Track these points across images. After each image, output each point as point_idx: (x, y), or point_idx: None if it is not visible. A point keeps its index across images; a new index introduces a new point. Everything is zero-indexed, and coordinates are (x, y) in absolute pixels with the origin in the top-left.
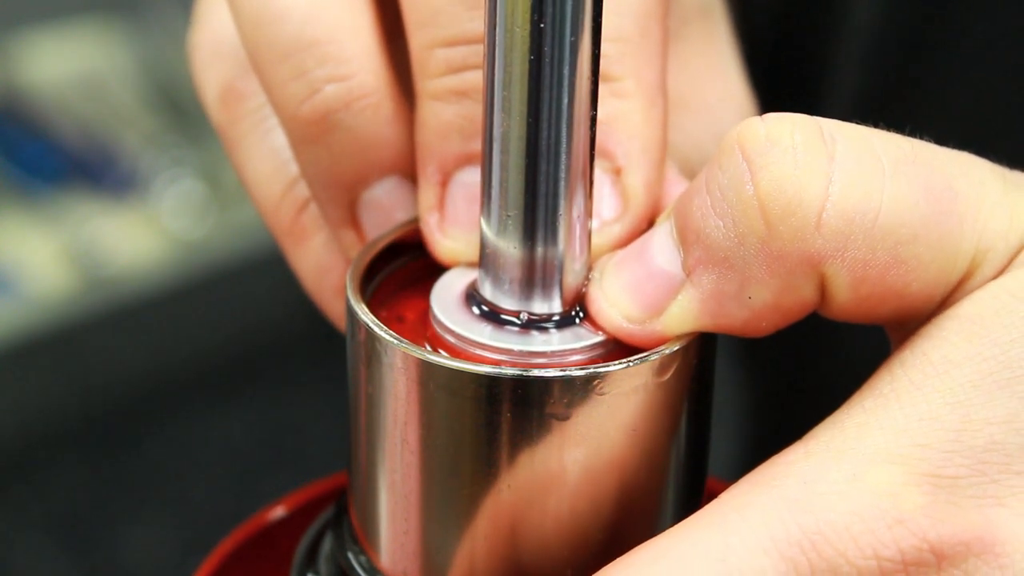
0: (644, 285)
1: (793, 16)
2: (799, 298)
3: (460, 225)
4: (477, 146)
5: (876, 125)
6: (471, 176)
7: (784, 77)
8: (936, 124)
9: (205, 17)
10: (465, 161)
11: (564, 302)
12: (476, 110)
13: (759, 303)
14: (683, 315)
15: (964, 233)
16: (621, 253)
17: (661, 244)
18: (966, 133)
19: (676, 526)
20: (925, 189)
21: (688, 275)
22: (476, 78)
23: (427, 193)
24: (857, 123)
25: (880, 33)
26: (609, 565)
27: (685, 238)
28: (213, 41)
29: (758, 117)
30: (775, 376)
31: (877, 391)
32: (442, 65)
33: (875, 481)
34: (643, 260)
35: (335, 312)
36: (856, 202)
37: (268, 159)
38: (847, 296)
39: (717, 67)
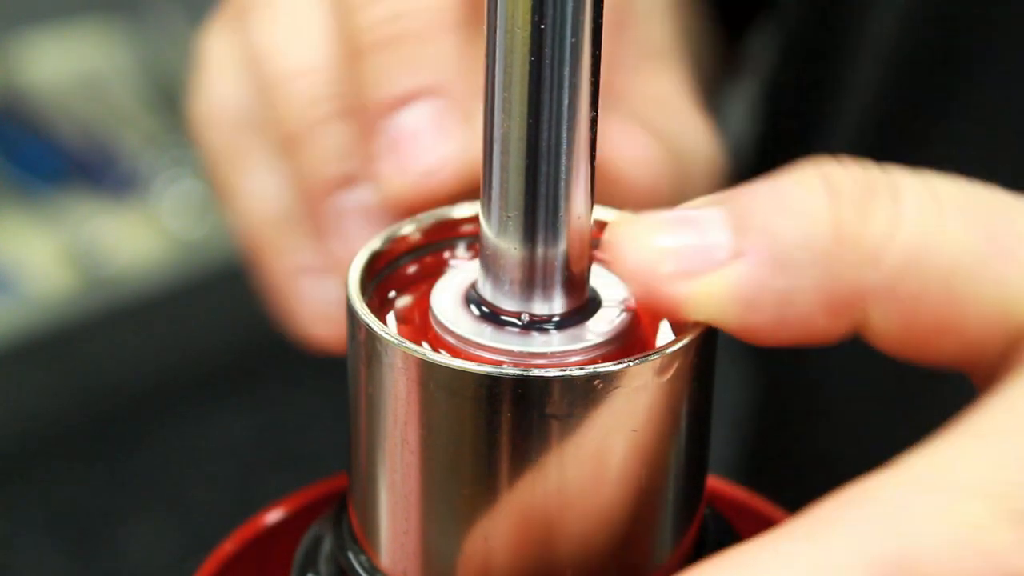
0: (686, 248)
1: (810, 30)
2: (832, 323)
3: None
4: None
5: (899, 140)
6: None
7: (801, 94)
8: (962, 140)
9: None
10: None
11: (565, 303)
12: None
13: (794, 313)
14: (715, 291)
15: None
16: (664, 214)
17: (713, 222)
18: (989, 147)
19: (760, 538)
20: (986, 232)
21: (737, 256)
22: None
23: (376, 142)
24: (879, 138)
25: (900, 48)
26: (689, 571)
27: (744, 225)
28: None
29: (834, 160)
30: (776, 375)
31: (975, 427)
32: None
33: (966, 514)
34: (692, 228)
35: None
36: (916, 242)
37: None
38: (896, 331)
39: (676, 98)
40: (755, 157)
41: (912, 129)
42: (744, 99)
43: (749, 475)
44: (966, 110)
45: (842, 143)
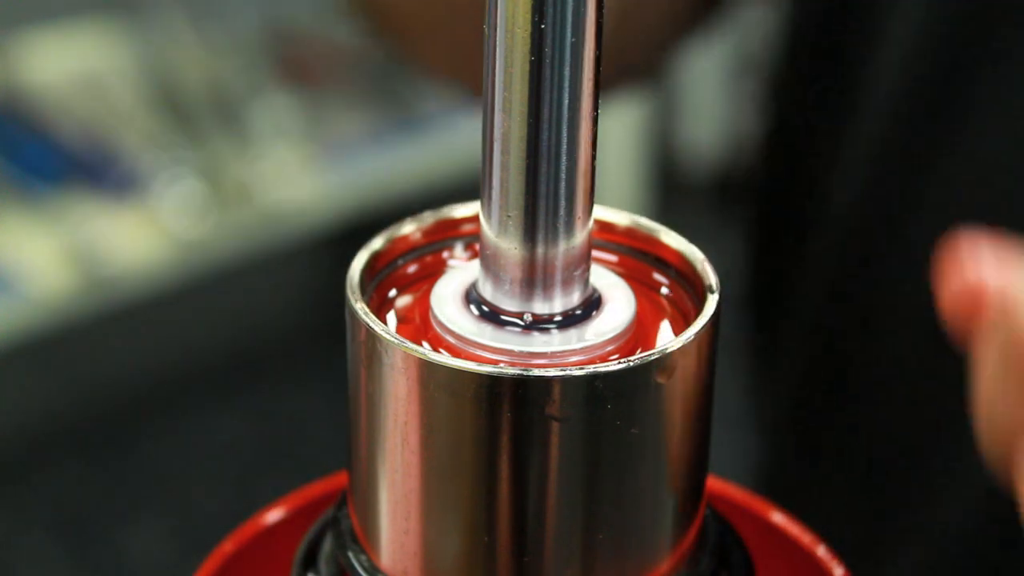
0: None
1: (825, 25)
2: None
3: None
4: None
5: (918, 138)
6: None
7: (815, 92)
8: (986, 141)
9: None
10: None
11: (565, 303)
12: None
13: None
14: None
15: None
16: None
17: None
18: (1014, 149)
19: None
20: None
21: None
22: None
23: None
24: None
25: (922, 43)
26: None
27: None
28: None
29: None
30: (784, 384)
31: None
32: None
33: None
34: None
35: None
36: None
37: None
38: None
39: None
40: (764, 157)
41: (933, 131)
42: (753, 97)
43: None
44: (989, 109)
45: (859, 146)
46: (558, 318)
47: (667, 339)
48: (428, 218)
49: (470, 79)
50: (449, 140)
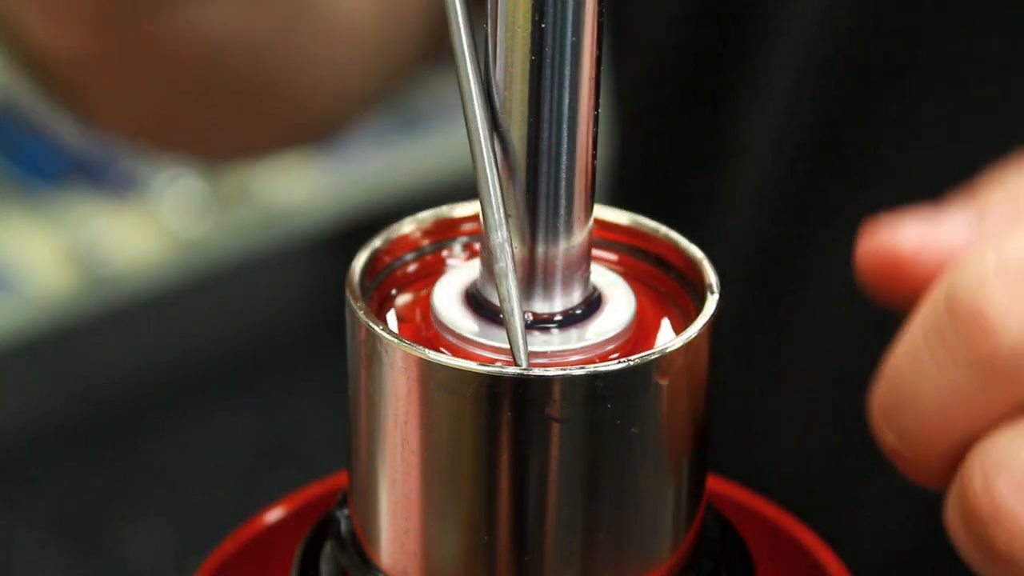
0: None
1: (712, 42)
2: None
3: None
4: None
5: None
6: None
7: (704, 102)
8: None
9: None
10: None
11: (565, 302)
12: None
13: None
14: None
15: None
16: None
17: None
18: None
19: None
20: None
21: None
22: None
23: None
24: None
25: (818, 65)
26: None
27: None
28: None
29: None
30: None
31: None
32: None
33: None
34: None
35: None
36: None
37: None
38: None
39: None
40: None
41: (836, 162)
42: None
43: None
44: (891, 137)
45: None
46: (558, 317)
47: (667, 339)
48: (428, 218)
49: (156, 135)
50: (450, 139)
